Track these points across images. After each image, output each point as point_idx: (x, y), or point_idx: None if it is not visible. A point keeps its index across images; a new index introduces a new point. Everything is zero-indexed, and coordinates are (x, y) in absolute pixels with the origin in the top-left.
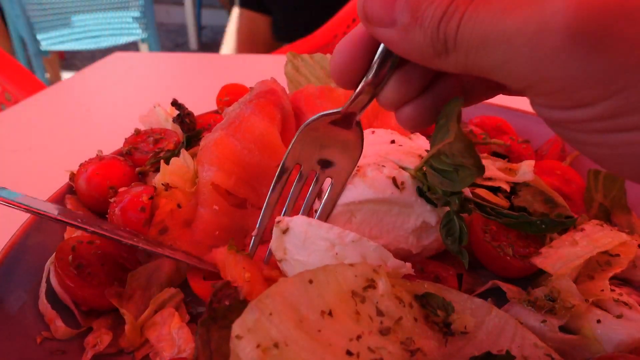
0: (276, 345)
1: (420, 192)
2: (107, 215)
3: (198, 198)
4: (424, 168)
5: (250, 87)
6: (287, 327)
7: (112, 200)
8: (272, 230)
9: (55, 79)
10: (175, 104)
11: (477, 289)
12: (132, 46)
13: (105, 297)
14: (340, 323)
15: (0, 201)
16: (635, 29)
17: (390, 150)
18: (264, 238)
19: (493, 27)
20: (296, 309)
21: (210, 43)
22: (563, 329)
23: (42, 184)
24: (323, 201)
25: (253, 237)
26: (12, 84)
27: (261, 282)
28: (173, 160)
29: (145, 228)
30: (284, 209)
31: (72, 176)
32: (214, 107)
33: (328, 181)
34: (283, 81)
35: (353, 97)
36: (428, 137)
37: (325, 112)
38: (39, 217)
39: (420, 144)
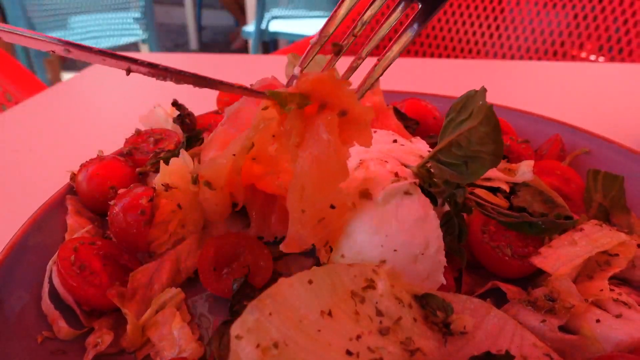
0: (276, 345)
1: (422, 189)
2: (107, 217)
3: None
4: (429, 164)
5: (250, 85)
6: (286, 327)
7: (111, 202)
8: None
9: (56, 79)
10: (175, 104)
11: (477, 289)
12: (132, 47)
13: (107, 297)
14: (340, 323)
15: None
16: None
17: (393, 148)
18: None
19: None
20: (296, 309)
21: (210, 43)
22: (562, 328)
23: (43, 184)
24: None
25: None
26: (13, 85)
27: None
28: (173, 160)
29: (145, 229)
30: None
31: (73, 176)
32: (214, 107)
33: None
34: (283, 82)
35: None
36: (428, 137)
37: None
38: (39, 217)
39: (420, 147)
